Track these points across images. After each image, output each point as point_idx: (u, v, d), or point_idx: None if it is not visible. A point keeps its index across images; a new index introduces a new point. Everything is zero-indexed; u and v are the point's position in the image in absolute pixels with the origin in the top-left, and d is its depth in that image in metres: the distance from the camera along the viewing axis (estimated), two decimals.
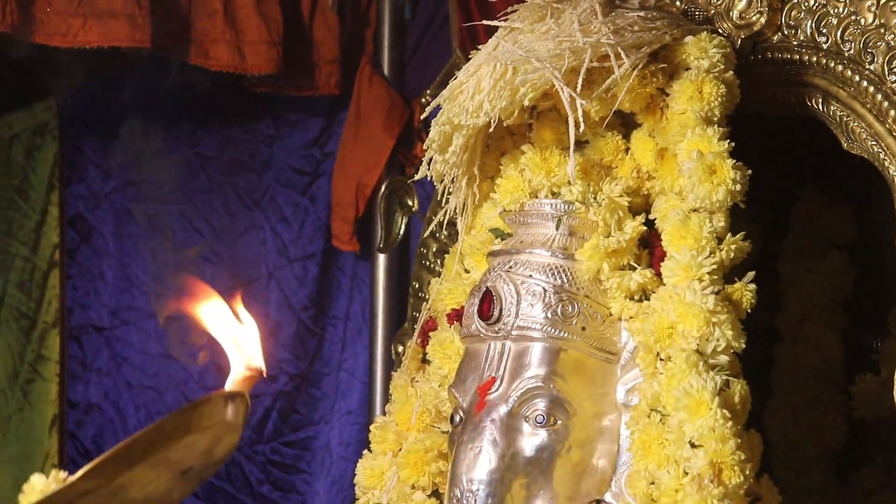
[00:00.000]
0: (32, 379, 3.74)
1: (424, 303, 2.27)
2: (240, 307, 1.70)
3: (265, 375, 1.63)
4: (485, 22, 2.07)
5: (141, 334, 3.58)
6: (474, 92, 1.97)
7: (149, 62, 3.17)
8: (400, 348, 2.64)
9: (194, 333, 1.77)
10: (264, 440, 3.43)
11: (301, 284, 3.39)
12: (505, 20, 2.05)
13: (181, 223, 3.52)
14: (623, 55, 1.95)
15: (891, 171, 2.00)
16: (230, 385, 1.60)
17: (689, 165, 1.92)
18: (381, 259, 3.17)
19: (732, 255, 1.89)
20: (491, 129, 2.00)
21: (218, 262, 3.50)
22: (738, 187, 1.91)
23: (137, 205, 3.52)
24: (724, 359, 1.85)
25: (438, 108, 2.05)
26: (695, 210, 1.92)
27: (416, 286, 2.62)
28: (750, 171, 1.93)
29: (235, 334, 1.69)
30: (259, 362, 1.65)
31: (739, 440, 1.79)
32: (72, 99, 3.57)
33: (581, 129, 1.94)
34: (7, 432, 3.81)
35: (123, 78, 3.40)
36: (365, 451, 2.17)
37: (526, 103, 1.96)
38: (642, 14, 2.03)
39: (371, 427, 2.19)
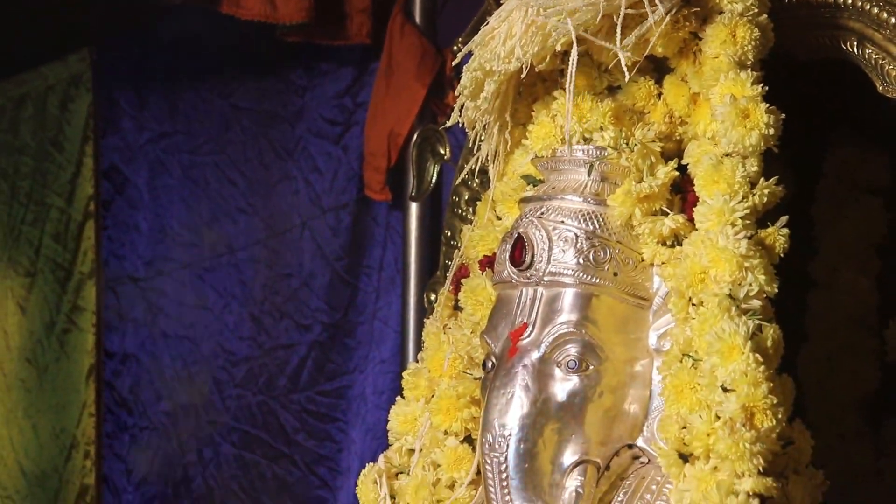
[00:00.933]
0: (69, 329, 3.77)
1: (456, 250, 2.26)
2: None
3: None
4: None
5: (176, 285, 3.60)
6: (506, 37, 1.97)
7: (182, 12, 3.16)
8: (432, 296, 2.64)
9: None
10: (300, 389, 3.44)
11: (335, 234, 3.39)
12: None
13: (215, 174, 3.52)
14: (657, 1, 1.93)
15: None
16: None
17: (722, 110, 1.90)
18: (414, 208, 3.17)
19: (766, 199, 1.88)
20: (523, 76, 1.99)
21: (252, 213, 3.51)
22: (772, 131, 1.89)
23: (171, 156, 3.52)
24: (756, 303, 1.84)
25: (470, 54, 2.04)
26: (727, 155, 1.90)
27: (449, 234, 2.61)
28: (783, 116, 1.91)
29: None
30: None
31: (772, 384, 1.79)
32: (106, 50, 3.58)
33: (626, 78, 1.93)
34: (44, 381, 3.84)
35: (157, 29, 3.40)
36: (398, 398, 2.18)
37: (557, 48, 1.94)
38: None
39: (404, 374, 2.19)
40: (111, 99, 3.61)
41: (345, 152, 3.39)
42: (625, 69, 1.91)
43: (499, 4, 2.07)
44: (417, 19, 3.20)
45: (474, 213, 2.38)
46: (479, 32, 2.03)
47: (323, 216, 3.41)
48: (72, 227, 3.76)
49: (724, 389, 1.79)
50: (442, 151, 2.68)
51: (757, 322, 1.82)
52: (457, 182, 2.53)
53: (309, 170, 3.44)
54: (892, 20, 2.02)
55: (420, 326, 3.07)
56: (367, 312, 3.37)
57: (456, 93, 2.07)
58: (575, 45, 1.91)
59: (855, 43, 2.08)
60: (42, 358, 3.82)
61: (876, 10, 2.04)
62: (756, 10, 1.99)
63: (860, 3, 2.05)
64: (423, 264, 3.19)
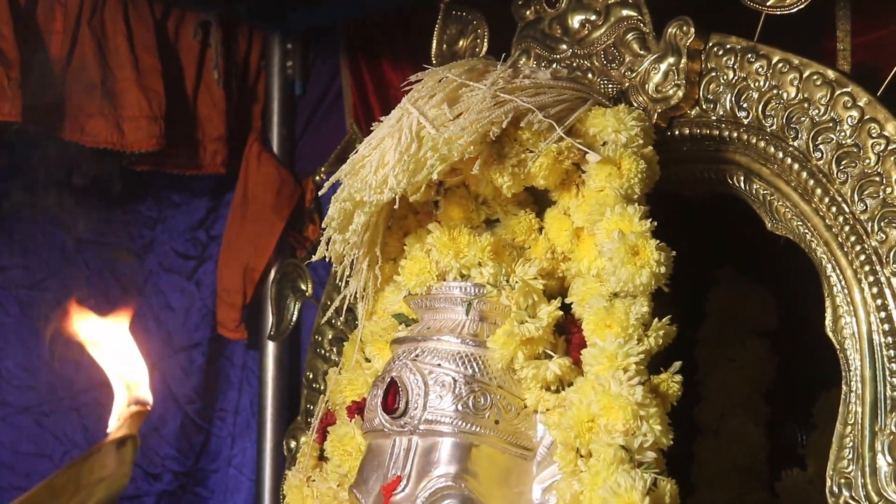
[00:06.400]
0: None
1: (321, 395, 2.13)
2: (126, 335, 1.55)
3: (150, 409, 1.50)
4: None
5: (11, 431, 3.35)
6: (378, 166, 1.84)
7: (19, 137, 2.98)
8: (293, 443, 2.48)
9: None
10: None
11: (186, 375, 3.21)
12: (407, 90, 1.92)
13: (56, 311, 3.31)
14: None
15: (818, 253, 1.90)
16: (117, 425, 1.46)
17: (610, 246, 1.81)
18: (271, 347, 3.02)
19: (661, 341, 1.77)
20: (395, 206, 1.87)
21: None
22: (663, 269, 1.80)
23: (7, 292, 3.30)
24: (651, 455, 1.73)
25: (336, 185, 1.92)
26: (616, 294, 1.80)
27: (311, 376, 2.46)
28: (674, 253, 1.81)
29: (120, 364, 1.56)
30: (146, 394, 1.51)
31: None
32: None
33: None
34: None
35: None
36: None
37: (435, 177, 1.82)
38: (553, 83, 1.92)
39: None
40: None
41: (198, 288, 3.22)
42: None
43: (365, 132, 1.95)
44: (275, 148, 3.07)
45: (339, 353, 2.25)
46: (349, 161, 1.90)
47: (174, 356, 3.22)
48: None
49: None
50: (303, 288, 2.53)
51: (653, 475, 1.69)
52: (321, 321, 2.37)
53: (159, 307, 3.26)
54: (780, 154, 1.95)
55: (277, 475, 2.91)
56: (221, 459, 3.18)
57: (323, 225, 1.94)
58: None
59: (742, 177, 2.01)
60: None
61: (763, 143, 1.96)
62: (641, 142, 1.91)
63: (746, 137, 1.98)
64: (280, 408, 3.02)
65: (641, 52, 2.07)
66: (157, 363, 3.21)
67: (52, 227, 3.29)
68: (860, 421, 1.80)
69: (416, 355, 1.85)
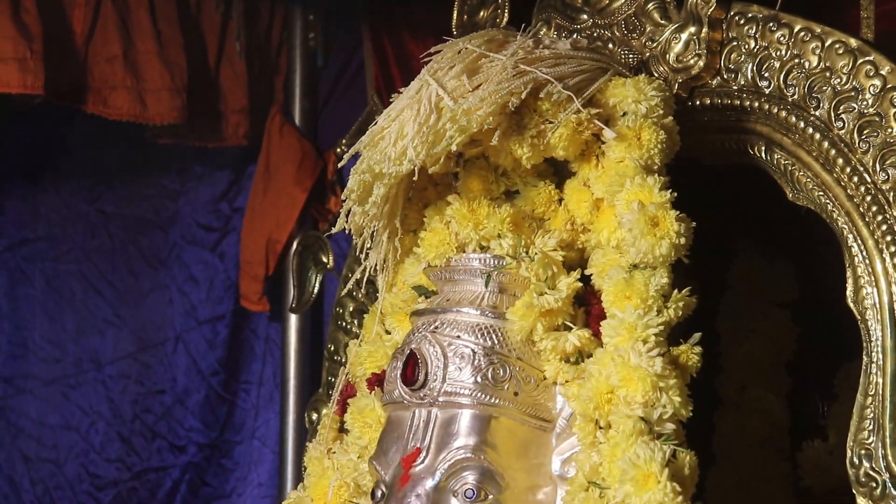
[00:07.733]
0: None
1: (342, 367, 2.13)
2: None
3: None
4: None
5: (39, 403, 3.38)
6: (397, 138, 1.84)
7: (43, 111, 2.99)
8: (314, 416, 2.49)
9: None
10: None
11: (210, 347, 3.22)
12: (427, 61, 1.91)
13: (81, 284, 3.33)
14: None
15: (839, 223, 1.89)
16: None
17: (630, 217, 1.80)
18: (293, 320, 3.02)
19: (680, 312, 1.77)
20: (415, 178, 1.86)
21: (121, 325, 3.32)
22: (683, 241, 1.79)
23: (33, 265, 3.32)
24: (670, 427, 1.72)
25: (356, 156, 1.92)
26: (635, 265, 1.79)
27: (332, 349, 2.47)
28: (694, 224, 1.80)
29: None
30: None
31: None
32: None
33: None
34: None
35: (16, 128, 3.21)
36: None
37: (454, 148, 1.82)
38: (573, 53, 1.91)
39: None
40: None
41: (221, 260, 3.23)
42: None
43: (386, 104, 1.95)
44: (297, 120, 3.07)
45: (360, 326, 2.25)
46: (368, 133, 1.90)
47: (198, 328, 3.24)
48: None
49: None
50: (325, 260, 2.53)
51: (672, 447, 1.69)
52: (342, 293, 2.38)
53: (183, 279, 3.27)
54: (801, 124, 1.93)
55: (299, 447, 2.92)
56: (246, 431, 3.20)
57: (342, 197, 1.94)
58: None
59: (763, 148, 1.99)
60: None
61: (784, 113, 1.95)
62: (661, 112, 1.90)
63: (767, 106, 1.97)
64: (303, 380, 3.03)
65: (662, 22, 2.05)
66: (182, 335, 3.23)
67: (75, 200, 3.30)
68: (881, 392, 1.79)
69: (436, 327, 1.85)
